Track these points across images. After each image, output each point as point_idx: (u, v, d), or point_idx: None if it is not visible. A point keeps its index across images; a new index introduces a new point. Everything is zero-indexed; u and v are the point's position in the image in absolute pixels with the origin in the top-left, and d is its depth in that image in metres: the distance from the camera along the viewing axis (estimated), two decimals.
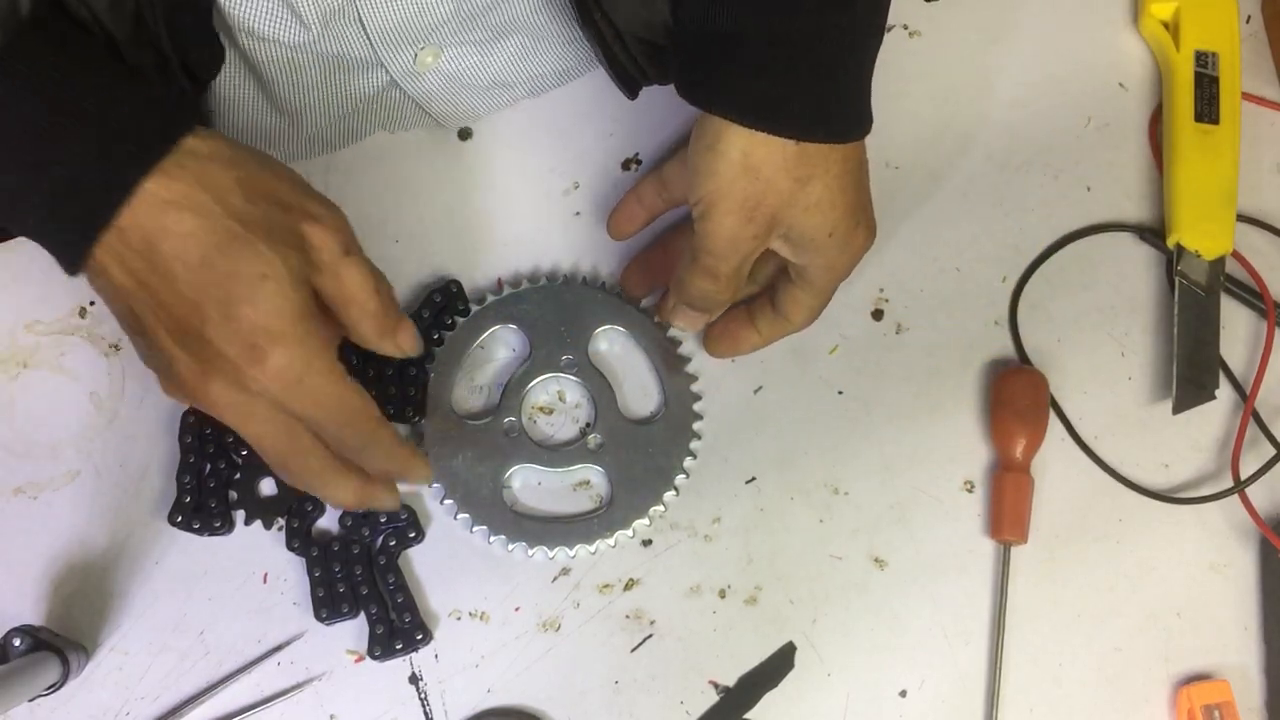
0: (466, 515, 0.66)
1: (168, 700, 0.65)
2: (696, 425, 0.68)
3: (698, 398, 0.69)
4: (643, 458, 0.67)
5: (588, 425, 0.69)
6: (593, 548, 0.66)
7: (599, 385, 0.69)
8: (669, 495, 0.66)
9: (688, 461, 0.67)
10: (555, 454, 0.68)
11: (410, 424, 0.68)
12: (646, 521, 0.66)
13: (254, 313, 0.48)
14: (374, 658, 0.64)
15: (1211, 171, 0.73)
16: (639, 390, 0.70)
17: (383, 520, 0.66)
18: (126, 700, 0.64)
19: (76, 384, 0.69)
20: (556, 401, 0.70)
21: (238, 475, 0.67)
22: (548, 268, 0.72)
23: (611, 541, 0.66)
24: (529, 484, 0.68)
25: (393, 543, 0.66)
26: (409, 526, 0.66)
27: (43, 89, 0.49)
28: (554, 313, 0.69)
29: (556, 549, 0.65)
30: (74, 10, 0.55)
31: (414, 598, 0.65)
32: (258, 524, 0.67)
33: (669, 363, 0.69)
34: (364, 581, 0.65)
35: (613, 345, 0.71)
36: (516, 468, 0.67)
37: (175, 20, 0.58)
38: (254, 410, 0.51)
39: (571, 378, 0.69)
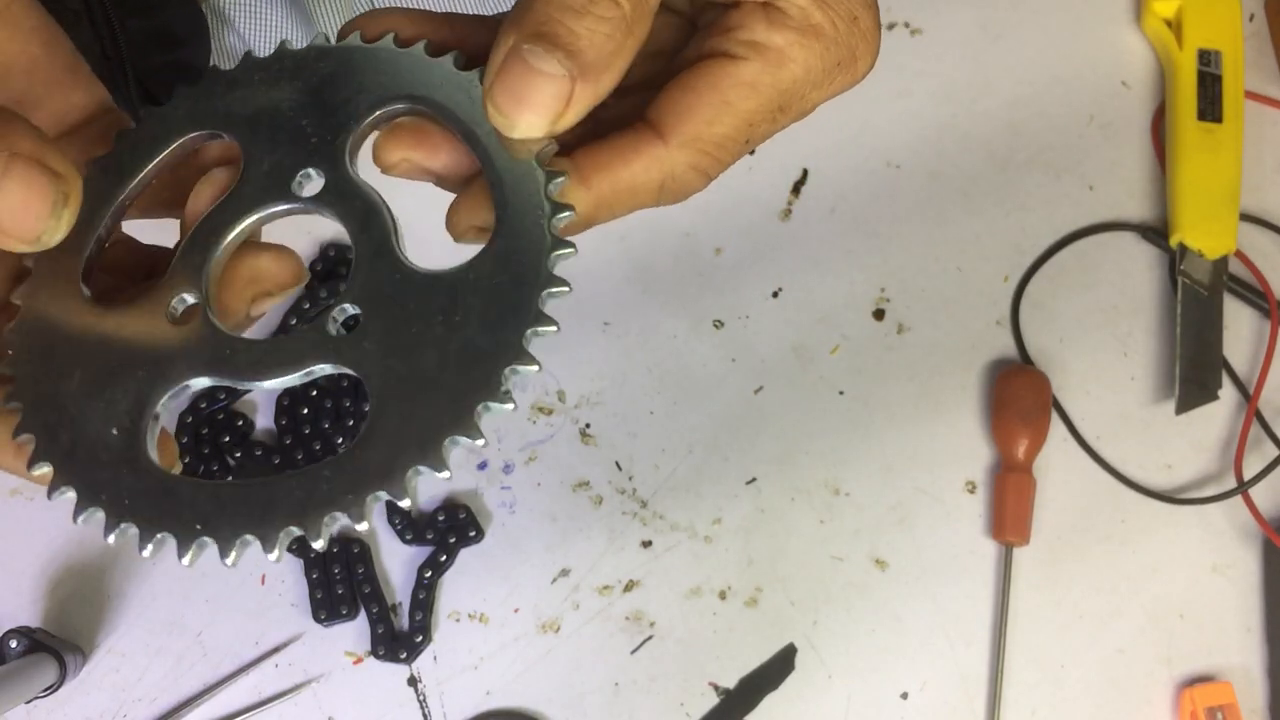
0: (70, 492, 0.33)
1: (165, 702, 0.64)
2: (549, 298, 0.33)
3: (565, 246, 0.33)
4: (433, 346, 0.33)
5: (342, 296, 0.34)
6: (317, 540, 0.31)
7: (363, 218, 0.35)
8: (485, 420, 0.31)
9: (522, 365, 0.32)
10: (259, 353, 0.34)
11: None
12: (438, 474, 0.31)
13: None
14: (378, 657, 0.64)
15: (1214, 170, 0.73)
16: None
17: (441, 519, 0.66)
18: (123, 703, 0.64)
19: None
20: None
21: (229, 477, 0.67)
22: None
23: (352, 522, 0.31)
24: None
25: (452, 540, 0.66)
26: (468, 524, 0.66)
27: None
28: (295, 99, 0.37)
29: (236, 543, 0.31)
30: None
31: (419, 598, 0.65)
32: None
33: (514, 161, 0.34)
34: (364, 581, 0.65)
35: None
36: (180, 388, 0.34)
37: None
38: None
39: (314, 212, 0.36)
